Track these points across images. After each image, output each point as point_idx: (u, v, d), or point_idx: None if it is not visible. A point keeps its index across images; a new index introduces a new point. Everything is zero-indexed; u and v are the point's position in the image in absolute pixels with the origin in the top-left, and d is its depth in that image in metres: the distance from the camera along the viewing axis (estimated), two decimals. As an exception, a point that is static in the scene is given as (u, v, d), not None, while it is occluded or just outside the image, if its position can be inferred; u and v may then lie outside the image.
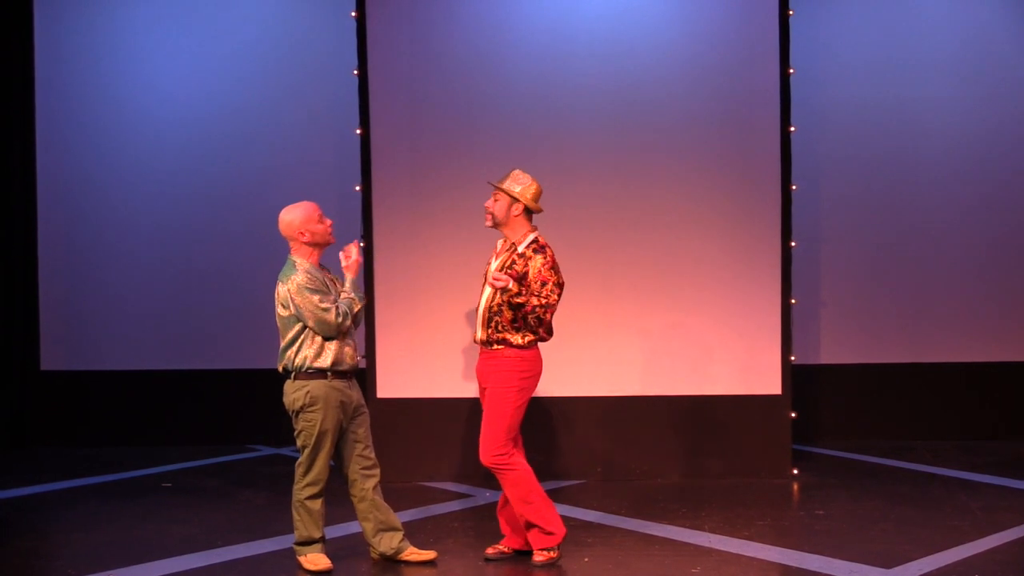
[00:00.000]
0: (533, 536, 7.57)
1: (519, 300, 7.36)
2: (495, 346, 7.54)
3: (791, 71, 9.78)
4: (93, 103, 11.73)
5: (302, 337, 7.37)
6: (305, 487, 7.48)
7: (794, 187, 9.88)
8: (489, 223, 7.64)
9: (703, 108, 9.86)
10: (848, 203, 11.38)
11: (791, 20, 9.77)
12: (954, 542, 7.96)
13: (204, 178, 11.68)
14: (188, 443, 11.55)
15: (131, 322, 11.74)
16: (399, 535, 7.62)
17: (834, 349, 11.43)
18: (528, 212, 7.61)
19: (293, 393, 7.45)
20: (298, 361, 7.38)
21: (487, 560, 7.75)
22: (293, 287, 7.31)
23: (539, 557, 7.56)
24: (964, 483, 9.70)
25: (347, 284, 7.45)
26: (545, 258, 7.50)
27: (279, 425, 11.58)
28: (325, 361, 7.36)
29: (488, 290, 7.58)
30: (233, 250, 11.67)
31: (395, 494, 7.91)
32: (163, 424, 11.70)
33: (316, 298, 7.28)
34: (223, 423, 11.70)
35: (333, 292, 7.40)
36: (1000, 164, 11.34)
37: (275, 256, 11.52)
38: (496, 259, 7.68)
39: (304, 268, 7.38)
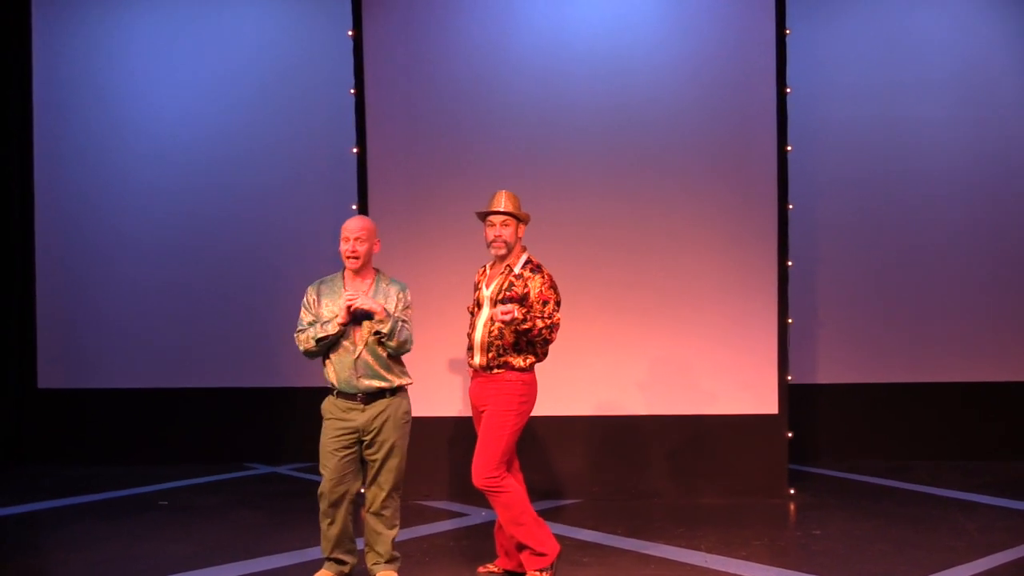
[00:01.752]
0: (525, 557, 7.56)
1: (525, 326, 7.36)
2: (496, 370, 7.53)
3: (788, 90, 9.79)
4: (91, 122, 11.76)
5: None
6: (318, 496, 7.54)
7: (791, 206, 9.88)
8: (503, 251, 7.61)
9: (700, 127, 9.88)
10: (845, 222, 11.39)
11: (788, 39, 9.79)
12: (950, 563, 7.96)
13: (201, 196, 11.69)
14: (185, 461, 11.54)
15: (128, 340, 11.74)
16: (373, 555, 7.64)
17: (831, 369, 11.42)
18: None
19: None
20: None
21: (478, 579, 7.79)
22: None
23: (532, 578, 7.56)
24: (961, 503, 9.69)
25: (327, 324, 7.43)
26: (543, 277, 7.50)
27: (276, 444, 11.65)
28: (328, 379, 7.47)
29: (484, 315, 7.57)
30: (230, 268, 11.68)
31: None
32: (160, 442, 11.69)
33: (304, 315, 7.52)
34: (220, 441, 11.69)
35: (328, 310, 7.43)
36: (997, 184, 11.34)
37: (272, 274, 11.63)
38: (489, 284, 7.64)
39: (326, 281, 7.60)
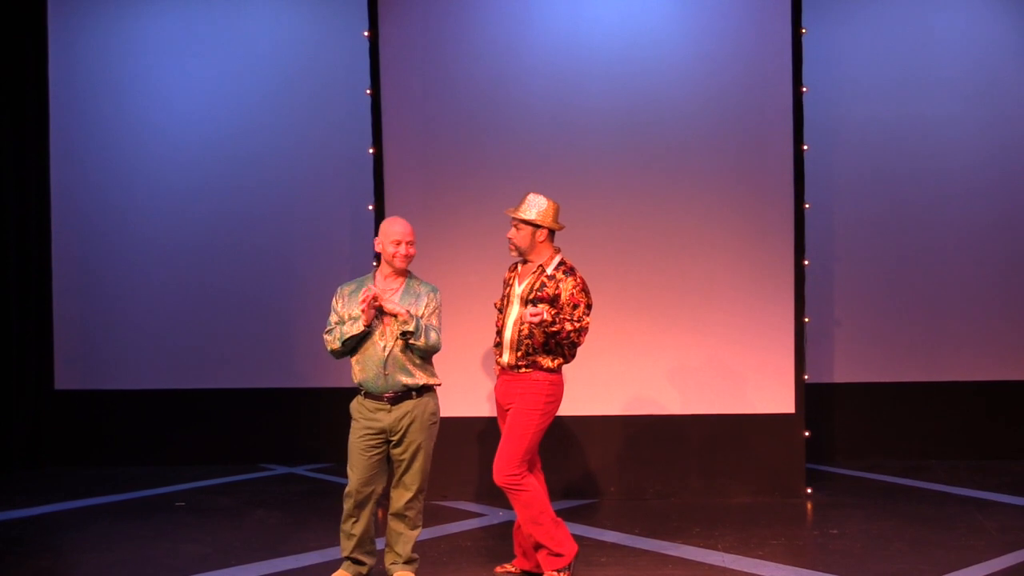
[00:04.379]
0: (542, 557, 7.54)
1: (554, 329, 7.35)
2: (523, 369, 7.52)
3: (804, 89, 9.78)
4: (107, 122, 11.78)
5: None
6: (344, 495, 7.51)
7: (807, 205, 9.87)
8: (515, 254, 7.63)
9: (716, 127, 9.87)
10: (861, 221, 11.37)
11: (804, 39, 9.78)
12: (969, 562, 7.94)
13: (217, 198, 11.71)
14: (201, 462, 11.56)
15: (145, 341, 11.76)
16: (392, 555, 7.63)
17: (848, 368, 11.41)
18: (551, 233, 7.61)
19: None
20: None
21: (496, 579, 7.80)
22: None
23: (550, 578, 7.55)
24: (979, 502, 9.67)
25: (352, 323, 7.38)
26: (576, 280, 7.49)
27: (293, 444, 11.66)
28: (355, 379, 7.46)
29: (514, 313, 7.55)
30: (246, 269, 11.70)
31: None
32: (176, 443, 11.71)
33: (331, 316, 7.48)
34: (236, 442, 11.70)
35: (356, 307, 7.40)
36: (1014, 182, 11.33)
37: (288, 274, 11.64)
38: (520, 282, 7.62)
39: (355, 282, 7.55)
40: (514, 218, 7.56)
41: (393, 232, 7.46)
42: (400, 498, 7.53)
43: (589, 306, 7.51)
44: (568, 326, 7.38)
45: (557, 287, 7.45)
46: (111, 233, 11.79)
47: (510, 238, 7.60)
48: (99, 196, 11.79)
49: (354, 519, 7.49)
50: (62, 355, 11.84)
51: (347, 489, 7.46)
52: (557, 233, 7.67)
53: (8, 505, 10.02)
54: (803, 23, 9.77)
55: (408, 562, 7.58)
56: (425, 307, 7.45)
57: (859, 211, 11.38)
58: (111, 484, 10.80)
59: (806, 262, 9.88)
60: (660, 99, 9.88)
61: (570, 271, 7.52)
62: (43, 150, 11.79)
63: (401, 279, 7.52)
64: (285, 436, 11.69)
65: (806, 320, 9.90)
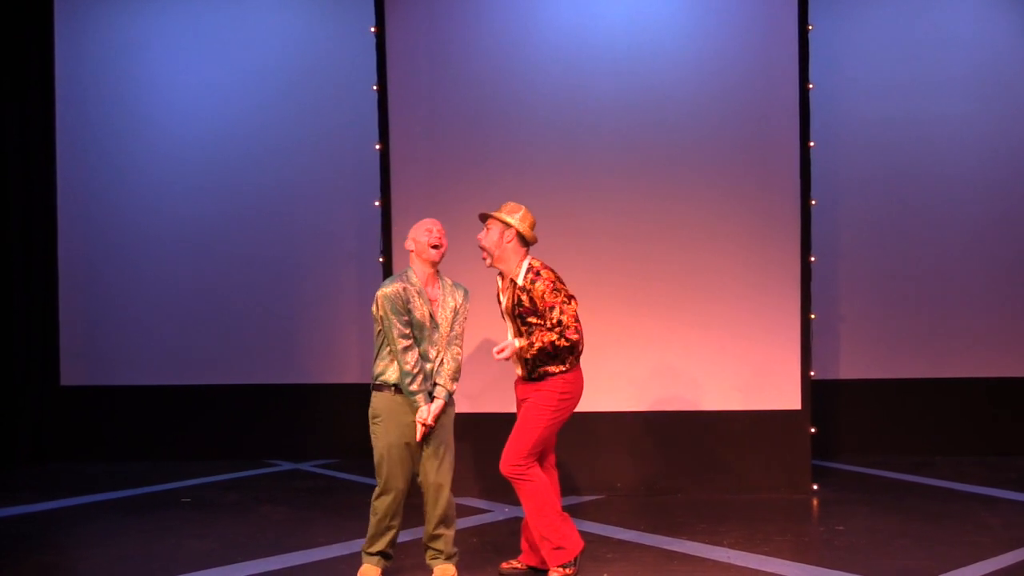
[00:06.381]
0: (546, 551, 7.54)
1: (533, 351, 7.35)
2: (536, 381, 7.50)
3: (810, 86, 9.76)
4: (113, 120, 11.79)
5: (378, 349, 7.45)
6: (377, 495, 7.49)
7: (813, 202, 9.85)
8: (487, 260, 7.55)
9: (723, 123, 9.86)
10: (867, 218, 11.36)
11: (810, 35, 9.76)
12: (974, 558, 7.92)
13: (222, 195, 11.71)
14: (207, 458, 11.57)
15: (150, 337, 11.77)
16: (432, 551, 7.64)
17: (853, 364, 11.40)
18: (523, 242, 7.52)
19: (371, 402, 7.51)
20: (375, 371, 7.47)
21: (501, 575, 7.76)
22: (379, 296, 7.36)
23: (555, 574, 7.52)
24: (984, 499, 9.65)
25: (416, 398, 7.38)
26: (545, 283, 7.38)
27: (299, 440, 11.67)
28: (392, 377, 7.41)
29: (510, 329, 7.56)
30: (252, 265, 11.70)
31: (417, 508, 7.87)
32: (182, 439, 11.73)
33: (396, 330, 7.30)
34: (242, 438, 11.71)
35: (418, 312, 7.36)
36: (1018, 179, 11.31)
37: (294, 270, 11.64)
38: (504, 295, 7.60)
39: (399, 281, 7.40)
40: (484, 214, 7.55)
41: (432, 225, 7.48)
42: (440, 501, 7.56)
43: (569, 296, 7.42)
44: (549, 336, 7.33)
45: (531, 297, 7.42)
46: (116, 229, 11.80)
47: (479, 239, 7.55)
48: (105, 193, 11.81)
49: (393, 514, 7.50)
50: (67, 351, 11.86)
51: (386, 487, 7.43)
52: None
53: (13, 501, 10.03)
54: (810, 19, 9.75)
55: (449, 557, 7.63)
56: (461, 315, 7.55)
57: (865, 208, 11.37)
58: (116, 480, 10.81)
59: (812, 258, 9.86)
60: (666, 95, 9.87)
61: (538, 274, 7.43)
62: (49, 147, 11.81)
63: (437, 279, 7.52)
64: (291, 432, 11.69)
65: (812, 316, 9.89)
